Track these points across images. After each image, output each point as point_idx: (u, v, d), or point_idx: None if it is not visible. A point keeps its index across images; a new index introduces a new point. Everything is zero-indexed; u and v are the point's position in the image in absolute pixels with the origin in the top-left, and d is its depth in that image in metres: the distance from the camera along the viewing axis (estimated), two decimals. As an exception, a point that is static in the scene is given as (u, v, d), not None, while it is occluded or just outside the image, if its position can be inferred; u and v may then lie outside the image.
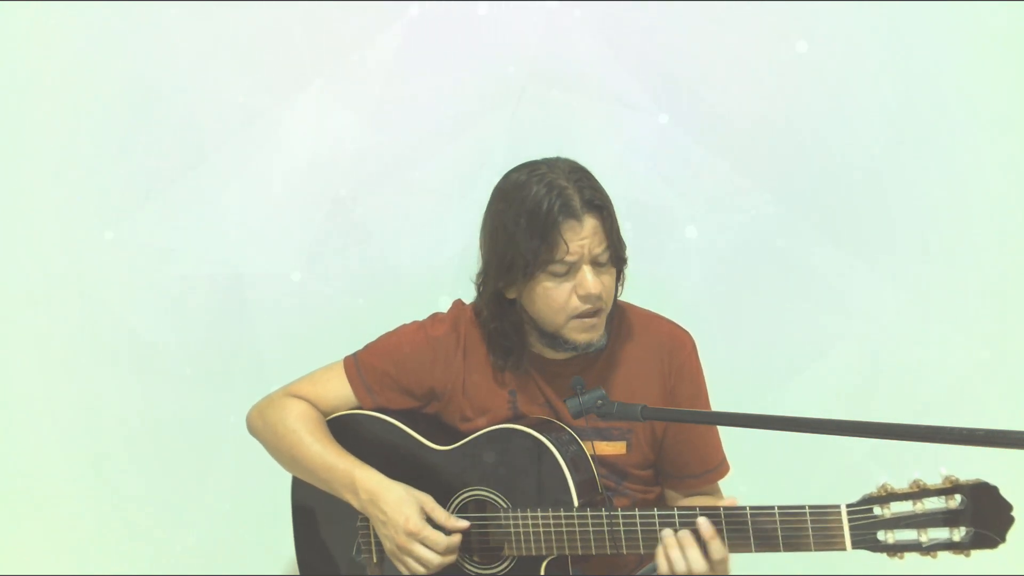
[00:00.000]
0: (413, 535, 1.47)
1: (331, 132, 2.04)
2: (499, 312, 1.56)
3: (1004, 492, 1.15)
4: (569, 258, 1.46)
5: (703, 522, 1.33)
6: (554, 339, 1.53)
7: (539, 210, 1.46)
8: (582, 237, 1.46)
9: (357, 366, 1.66)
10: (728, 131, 1.98)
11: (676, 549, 1.34)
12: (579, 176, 1.51)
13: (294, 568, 1.78)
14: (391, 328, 1.69)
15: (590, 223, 1.47)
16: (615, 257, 1.51)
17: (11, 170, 2.08)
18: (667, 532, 1.35)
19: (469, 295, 1.70)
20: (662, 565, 1.35)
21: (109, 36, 2.03)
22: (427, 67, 2.03)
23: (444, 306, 1.72)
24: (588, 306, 1.48)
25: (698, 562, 1.32)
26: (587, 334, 1.51)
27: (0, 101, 2.06)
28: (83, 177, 2.07)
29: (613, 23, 1.97)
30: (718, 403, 1.65)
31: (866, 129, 1.95)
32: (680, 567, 1.33)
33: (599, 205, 1.48)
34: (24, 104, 2.06)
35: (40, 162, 2.07)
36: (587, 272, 1.47)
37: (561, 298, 1.48)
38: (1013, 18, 1.90)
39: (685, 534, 1.33)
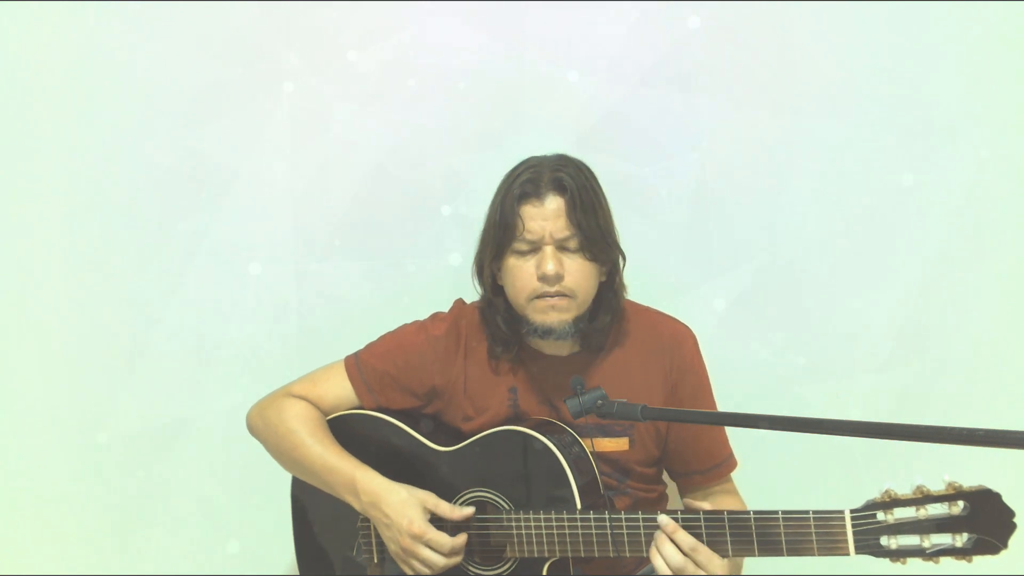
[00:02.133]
0: (418, 538, 1.47)
1: (334, 133, 2.02)
2: (492, 299, 1.58)
3: (1007, 497, 1.16)
4: (528, 236, 1.48)
5: (662, 519, 1.35)
6: (523, 322, 1.54)
7: (510, 189, 1.50)
8: (543, 217, 1.48)
9: (358, 366, 1.65)
10: (729, 130, 1.97)
11: (653, 547, 1.35)
12: (561, 164, 1.52)
13: (294, 568, 1.78)
14: (392, 328, 1.69)
15: (553, 204, 1.48)
16: (588, 248, 1.50)
17: (12, 171, 2.05)
18: (657, 532, 1.36)
19: (470, 295, 1.69)
20: (655, 565, 1.37)
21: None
22: (427, 67, 2.01)
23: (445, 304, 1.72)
24: (545, 287, 1.48)
25: (674, 556, 1.33)
26: (544, 316, 1.50)
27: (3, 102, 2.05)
28: (84, 177, 2.04)
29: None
30: (733, 405, 1.67)
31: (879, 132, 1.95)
32: (662, 567, 1.34)
33: (566, 187, 1.48)
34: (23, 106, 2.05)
35: (40, 163, 2.05)
36: (548, 253, 1.48)
37: (523, 277, 1.50)
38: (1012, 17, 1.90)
39: (657, 533, 1.36)
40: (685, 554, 1.33)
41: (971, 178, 1.92)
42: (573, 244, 1.49)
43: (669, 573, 1.34)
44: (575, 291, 1.50)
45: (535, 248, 1.49)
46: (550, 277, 1.48)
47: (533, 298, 1.50)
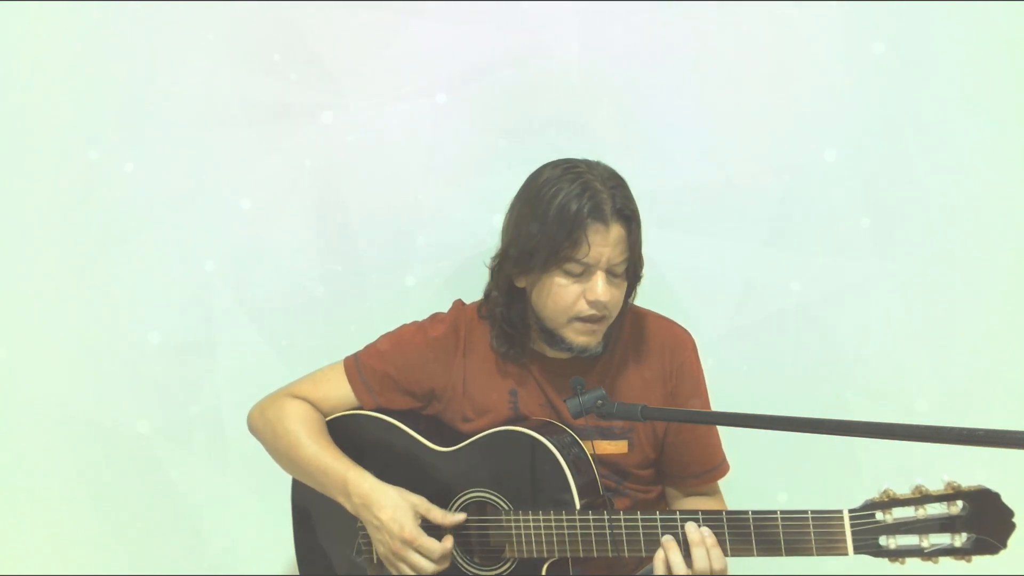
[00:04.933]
0: (408, 543, 1.47)
1: (335, 133, 2.03)
2: (508, 299, 1.57)
3: (1006, 497, 1.16)
4: (588, 260, 1.46)
5: (704, 530, 1.34)
6: (552, 336, 1.53)
7: (570, 207, 1.45)
8: (605, 243, 1.46)
9: (357, 366, 1.66)
10: (730, 131, 1.97)
11: (672, 542, 1.35)
12: (615, 184, 1.51)
13: (294, 568, 1.79)
14: (391, 329, 1.69)
15: (616, 231, 1.47)
16: (631, 271, 1.52)
17: (13, 170, 2.06)
18: (667, 537, 1.36)
19: (470, 296, 1.69)
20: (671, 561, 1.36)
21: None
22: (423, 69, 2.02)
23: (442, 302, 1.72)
24: (593, 312, 1.49)
25: (702, 561, 1.33)
26: (585, 338, 1.51)
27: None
28: (85, 175, 2.05)
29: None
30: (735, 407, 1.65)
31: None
32: (678, 565, 1.33)
33: (628, 216, 1.49)
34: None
35: (40, 160, 2.05)
36: (600, 279, 1.47)
37: (569, 298, 1.49)
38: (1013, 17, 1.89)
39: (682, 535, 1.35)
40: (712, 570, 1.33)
41: (972, 176, 1.92)
42: (621, 269, 1.50)
43: (686, 573, 1.33)
44: (612, 313, 1.52)
45: (587, 270, 1.48)
46: (601, 304, 1.48)
47: (575, 319, 1.50)
